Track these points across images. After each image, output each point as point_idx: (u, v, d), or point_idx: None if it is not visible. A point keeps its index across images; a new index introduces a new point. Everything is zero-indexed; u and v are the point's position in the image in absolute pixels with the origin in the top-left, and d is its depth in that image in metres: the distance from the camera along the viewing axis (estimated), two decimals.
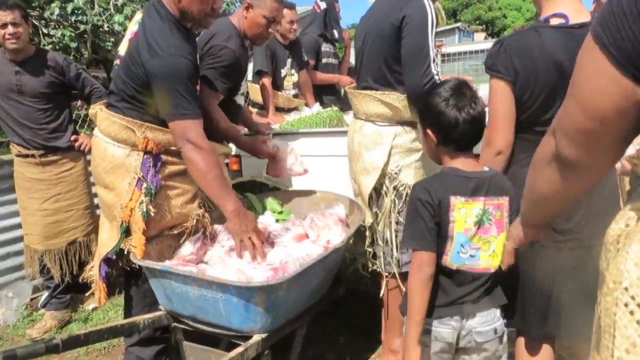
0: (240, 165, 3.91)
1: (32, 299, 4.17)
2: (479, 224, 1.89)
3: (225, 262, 2.33)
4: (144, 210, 2.45)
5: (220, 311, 2.16)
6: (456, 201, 1.86)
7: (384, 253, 2.79)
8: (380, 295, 2.87)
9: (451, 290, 1.93)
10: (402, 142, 2.68)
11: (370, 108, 2.67)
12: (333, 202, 3.01)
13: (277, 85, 4.70)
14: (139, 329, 2.33)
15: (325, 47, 5.31)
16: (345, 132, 3.37)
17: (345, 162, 3.39)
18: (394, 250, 2.74)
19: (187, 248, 2.58)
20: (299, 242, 2.63)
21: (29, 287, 4.10)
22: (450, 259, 1.90)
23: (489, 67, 2.04)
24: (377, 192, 2.75)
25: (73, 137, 3.63)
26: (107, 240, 2.57)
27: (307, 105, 4.91)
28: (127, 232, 2.49)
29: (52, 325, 3.72)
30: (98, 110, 2.60)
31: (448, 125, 1.89)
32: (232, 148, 3.54)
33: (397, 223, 2.70)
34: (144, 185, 2.47)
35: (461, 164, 1.94)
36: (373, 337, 3.13)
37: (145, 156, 2.49)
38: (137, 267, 2.43)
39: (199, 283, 2.14)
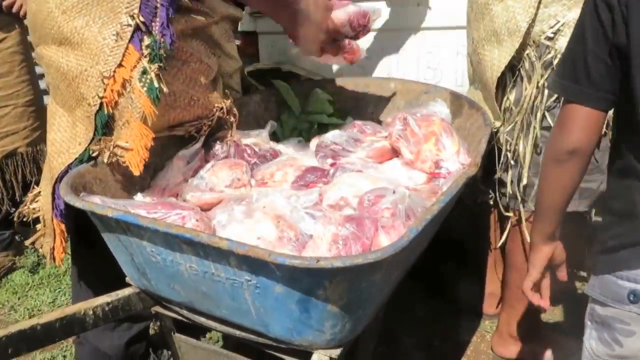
0: (257, 46, 2.68)
1: None
2: None
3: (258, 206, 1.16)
4: (154, 84, 1.28)
5: (244, 305, 1.03)
6: None
7: (511, 181, 1.64)
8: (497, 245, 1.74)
9: None
10: None
11: None
12: (422, 96, 1.80)
13: None
14: (84, 325, 1.21)
15: None
16: None
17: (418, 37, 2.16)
18: (525, 175, 1.60)
19: (174, 169, 1.41)
20: (380, 164, 1.46)
21: None
22: None
23: None
24: (512, 73, 1.56)
25: None
26: (64, 142, 1.38)
27: None
28: (105, 127, 1.32)
29: None
30: None
31: None
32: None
33: (544, 128, 1.54)
34: (146, 40, 1.29)
35: None
36: (469, 308, 2.04)
37: None
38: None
39: (200, 250, 0.99)
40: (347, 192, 1.23)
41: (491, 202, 1.79)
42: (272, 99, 1.90)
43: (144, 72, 1.29)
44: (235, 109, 1.57)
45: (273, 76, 2.27)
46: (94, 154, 1.31)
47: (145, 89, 1.28)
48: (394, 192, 1.13)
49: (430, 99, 1.74)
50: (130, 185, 1.37)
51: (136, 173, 1.28)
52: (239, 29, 2.63)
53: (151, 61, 1.30)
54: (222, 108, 1.53)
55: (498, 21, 1.53)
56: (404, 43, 2.33)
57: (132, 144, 1.29)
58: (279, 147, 1.67)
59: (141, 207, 1.17)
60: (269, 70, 2.49)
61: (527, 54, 1.53)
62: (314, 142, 1.67)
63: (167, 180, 1.38)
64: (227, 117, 1.54)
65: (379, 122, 1.76)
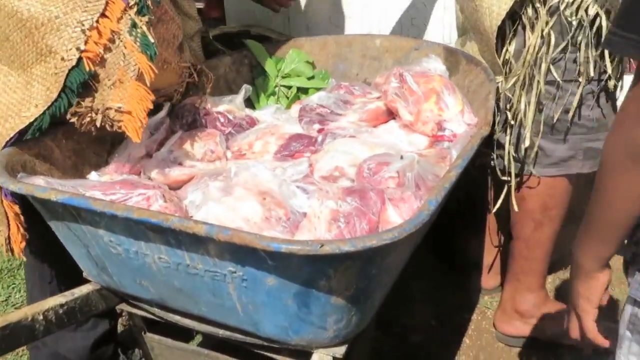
0: (223, 8, 2.46)
1: None
2: None
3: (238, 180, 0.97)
4: (148, 39, 1.09)
5: (228, 302, 0.85)
6: None
7: (510, 142, 1.49)
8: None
9: None
10: None
11: None
12: (412, 53, 1.61)
13: None
14: (34, 334, 1.00)
15: None
16: None
17: None
18: (527, 136, 1.44)
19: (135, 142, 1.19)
20: (375, 128, 1.27)
21: None
22: None
23: None
24: (512, 20, 1.39)
25: None
26: (12, 106, 1.12)
27: None
28: (83, 87, 1.08)
29: None
30: None
31: None
32: None
33: (548, 83, 1.38)
34: None
35: None
36: (466, 283, 1.90)
37: None
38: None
39: (170, 238, 0.80)
40: (342, 161, 1.05)
41: (492, 164, 1.64)
42: (245, 62, 1.69)
43: (134, 25, 1.09)
44: (207, 70, 1.37)
45: (242, 40, 2.05)
46: (70, 118, 1.07)
47: (138, 44, 1.08)
48: (401, 157, 0.95)
49: (422, 56, 1.56)
50: (83, 162, 1.15)
51: (136, 140, 1.06)
52: None
53: (139, 12, 1.09)
54: (191, 73, 1.32)
55: None
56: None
57: (129, 106, 1.07)
58: (256, 114, 1.47)
59: (96, 188, 0.96)
60: (237, 33, 2.25)
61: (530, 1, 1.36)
62: (295, 107, 1.48)
63: (127, 155, 1.17)
64: (198, 80, 1.33)
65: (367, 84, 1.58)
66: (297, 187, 0.96)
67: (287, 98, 1.67)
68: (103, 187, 0.97)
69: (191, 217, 0.98)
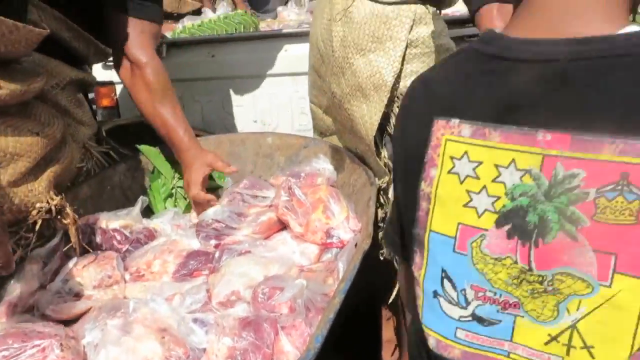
0: (115, 97, 2.47)
1: None
2: (523, 230, 0.59)
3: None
4: None
5: None
6: (446, 131, 0.66)
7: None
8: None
9: None
10: (425, 35, 1.50)
11: None
12: (302, 151, 1.74)
13: None
14: None
15: None
16: (305, 35, 2.09)
17: (298, 84, 2.14)
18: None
19: (27, 276, 1.18)
20: (269, 240, 1.36)
21: None
22: (422, 317, 0.72)
23: None
24: (381, 128, 1.55)
25: None
26: None
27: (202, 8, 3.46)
28: None
29: None
30: None
31: None
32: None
33: None
34: None
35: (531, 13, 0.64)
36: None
37: None
38: None
39: None
40: (238, 284, 1.11)
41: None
42: (140, 167, 1.72)
43: None
44: (68, 209, 1.26)
45: (137, 132, 2.08)
46: None
47: None
48: (291, 284, 1.03)
49: (310, 154, 1.69)
50: None
51: None
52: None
53: None
54: (47, 203, 1.20)
55: (362, 75, 1.49)
56: (277, 89, 2.28)
57: None
58: (154, 223, 1.50)
59: None
60: (131, 124, 2.27)
61: (393, 110, 1.53)
62: (194, 213, 1.54)
63: (18, 292, 1.15)
64: (61, 216, 1.24)
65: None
66: (196, 321, 1.01)
67: (185, 199, 1.72)
68: None
69: None
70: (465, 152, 0.61)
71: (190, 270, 1.25)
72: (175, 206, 1.68)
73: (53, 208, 1.21)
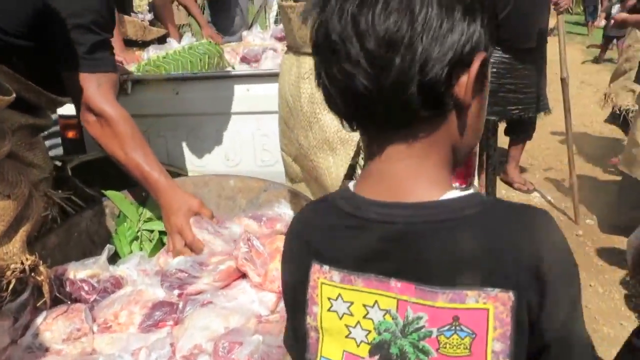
0: (80, 130, 2.52)
1: None
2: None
3: None
4: None
5: None
6: (320, 275, 0.76)
7: None
8: None
9: None
10: None
11: None
12: (262, 194, 1.84)
13: (123, 6, 3.21)
14: None
15: None
16: (267, 76, 2.20)
17: (260, 122, 2.24)
18: None
19: None
20: (229, 289, 1.46)
21: None
22: None
23: None
24: (348, 179, 1.66)
25: None
26: None
27: (168, 36, 3.53)
28: None
29: None
30: None
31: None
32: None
33: None
34: None
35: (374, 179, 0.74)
36: None
37: None
38: None
39: None
40: (200, 338, 1.21)
41: None
42: (106, 212, 1.79)
43: None
44: (42, 267, 1.27)
45: (103, 167, 2.14)
46: None
47: None
48: (248, 339, 1.14)
49: (271, 197, 1.79)
50: None
51: None
52: (58, 112, 2.43)
53: None
54: (21, 262, 1.22)
55: (329, 130, 1.61)
56: (240, 126, 2.37)
57: None
58: (120, 270, 1.57)
59: None
60: (97, 159, 2.32)
61: (359, 163, 1.64)
62: (162, 258, 1.62)
63: None
64: (35, 274, 1.27)
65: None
66: None
67: (150, 241, 1.80)
68: None
69: None
70: (339, 294, 0.73)
71: (155, 321, 1.33)
72: (140, 249, 1.76)
73: (27, 268, 1.26)
